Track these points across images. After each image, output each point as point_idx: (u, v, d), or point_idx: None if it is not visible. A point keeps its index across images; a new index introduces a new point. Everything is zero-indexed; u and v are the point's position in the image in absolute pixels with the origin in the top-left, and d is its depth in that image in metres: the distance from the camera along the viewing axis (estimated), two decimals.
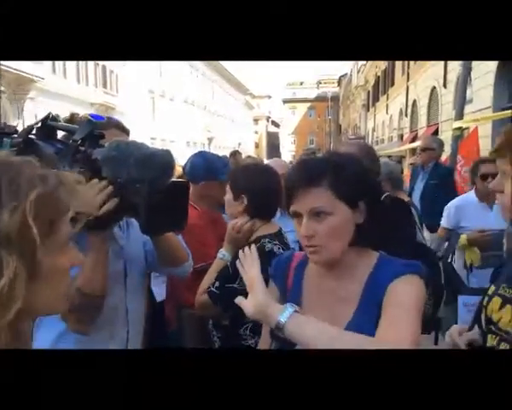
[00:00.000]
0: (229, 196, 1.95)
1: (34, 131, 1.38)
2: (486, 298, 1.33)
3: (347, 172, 1.16)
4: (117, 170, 1.28)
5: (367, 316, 1.13)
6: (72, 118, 1.51)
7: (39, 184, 0.71)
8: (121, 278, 1.59)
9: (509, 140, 1.23)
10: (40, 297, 0.73)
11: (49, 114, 1.41)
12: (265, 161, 6.08)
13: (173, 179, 1.38)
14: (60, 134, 1.45)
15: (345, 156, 1.24)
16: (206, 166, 2.51)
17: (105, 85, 23.93)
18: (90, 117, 1.37)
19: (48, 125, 1.39)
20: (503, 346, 1.23)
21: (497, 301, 1.27)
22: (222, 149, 33.48)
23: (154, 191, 1.27)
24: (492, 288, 1.33)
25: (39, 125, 1.39)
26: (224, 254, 1.88)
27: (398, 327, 1.05)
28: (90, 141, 1.35)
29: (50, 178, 0.74)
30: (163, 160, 1.31)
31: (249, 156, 6.73)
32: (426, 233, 3.81)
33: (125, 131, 1.72)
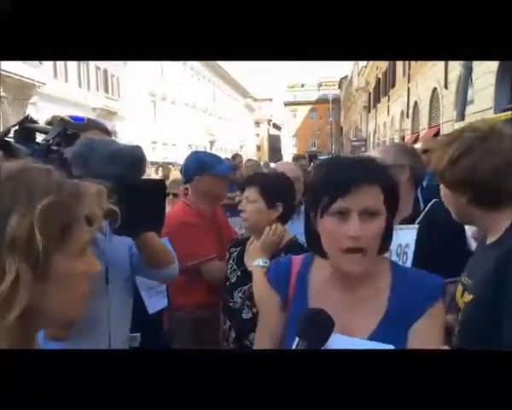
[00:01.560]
0: (259, 205, 1.98)
1: (13, 134, 1.36)
2: (455, 288, 1.52)
3: (395, 180, 1.14)
4: (85, 167, 1.25)
5: (392, 328, 1.11)
6: (54, 120, 1.48)
7: (54, 191, 0.73)
8: (102, 283, 1.53)
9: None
10: (53, 302, 0.74)
11: (27, 116, 1.40)
12: (272, 164, 6.05)
13: (147, 178, 1.35)
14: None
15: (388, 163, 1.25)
16: (197, 163, 2.55)
17: (106, 90, 23.98)
18: (67, 118, 1.36)
19: (26, 128, 1.37)
20: None
21: (460, 289, 1.45)
22: (224, 152, 33.52)
23: (124, 189, 1.20)
24: (460, 278, 1.51)
25: (17, 127, 1.37)
26: (265, 260, 1.88)
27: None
28: (65, 141, 1.32)
29: (66, 187, 0.76)
30: (131, 155, 1.26)
31: (249, 160, 6.70)
32: None
33: (107, 133, 1.69)
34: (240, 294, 1.98)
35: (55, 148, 1.31)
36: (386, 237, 1.14)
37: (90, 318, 1.40)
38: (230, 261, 2.09)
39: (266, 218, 1.98)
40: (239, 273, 2.02)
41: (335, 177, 1.10)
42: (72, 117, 1.39)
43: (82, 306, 0.81)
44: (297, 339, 0.99)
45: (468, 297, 1.36)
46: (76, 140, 1.33)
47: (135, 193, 1.24)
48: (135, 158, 1.28)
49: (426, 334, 1.10)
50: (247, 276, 1.98)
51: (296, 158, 5.48)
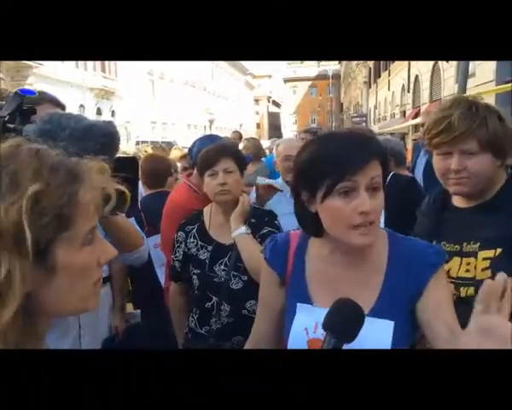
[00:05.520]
0: (238, 174, 2.03)
1: None
2: None
3: (387, 154, 1.23)
4: (52, 146, 1.16)
5: (391, 302, 1.10)
6: (2, 93, 1.36)
7: (47, 175, 0.65)
8: None
9: (466, 126, 1.37)
10: (58, 296, 0.68)
11: None
12: (273, 141, 5.98)
13: (119, 155, 1.25)
14: None
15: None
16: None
17: (104, 70, 23.72)
18: (18, 91, 1.24)
19: None
20: (464, 290, 1.42)
21: (456, 260, 1.47)
22: (223, 131, 33.35)
23: None
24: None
25: None
26: (247, 227, 1.95)
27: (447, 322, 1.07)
28: (20, 117, 1.21)
29: (63, 169, 0.67)
30: (105, 131, 1.16)
31: (247, 138, 6.67)
32: None
33: (61, 106, 1.57)
34: (222, 267, 1.95)
35: (10, 125, 1.20)
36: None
37: None
38: (191, 239, 2.03)
39: (241, 186, 2.03)
40: (210, 248, 1.99)
41: (340, 155, 1.05)
42: (21, 90, 1.25)
43: (96, 296, 0.74)
44: (325, 333, 0.91)
45: (489, 253, 1.38)
46: (32, 116, 1.23)
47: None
48: (109, 134, 1.18)
49: (437, 300, 1.10)
50: (221, 248, 1.98)
51: (309, 132, 5.40)
